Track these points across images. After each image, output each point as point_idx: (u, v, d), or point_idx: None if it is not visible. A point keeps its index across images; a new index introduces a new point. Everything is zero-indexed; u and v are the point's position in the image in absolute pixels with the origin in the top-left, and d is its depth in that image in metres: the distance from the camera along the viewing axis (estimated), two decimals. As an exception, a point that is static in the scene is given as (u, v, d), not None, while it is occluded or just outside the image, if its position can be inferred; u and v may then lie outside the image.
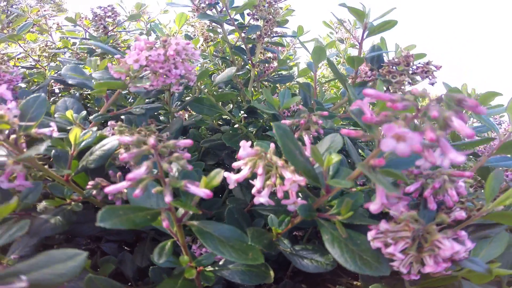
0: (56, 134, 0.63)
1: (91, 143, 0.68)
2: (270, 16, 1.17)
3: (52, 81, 1.43)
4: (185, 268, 0.57)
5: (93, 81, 0.90)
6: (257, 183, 0.54)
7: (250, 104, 1.10)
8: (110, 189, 0.45)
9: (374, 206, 0.48)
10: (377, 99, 0.38)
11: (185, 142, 0.47)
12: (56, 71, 1.39)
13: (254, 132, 1.09)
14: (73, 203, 0.71)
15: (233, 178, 0.54)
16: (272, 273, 0.59)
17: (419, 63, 0.74)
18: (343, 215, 0.53)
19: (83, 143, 0.68)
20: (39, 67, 1.55)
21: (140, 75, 0.83)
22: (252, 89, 1.27)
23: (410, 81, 0.75)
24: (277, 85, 1.58)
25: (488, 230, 0.59)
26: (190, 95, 1.18)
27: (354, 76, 0.91)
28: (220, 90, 1.30)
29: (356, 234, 0.54)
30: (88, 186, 0.70)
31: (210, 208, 0.90)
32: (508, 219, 0.51)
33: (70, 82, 0.92)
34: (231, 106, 1.30)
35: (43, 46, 1.66)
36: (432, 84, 0.72)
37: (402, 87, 0.76)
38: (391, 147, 0.35)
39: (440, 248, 0.47)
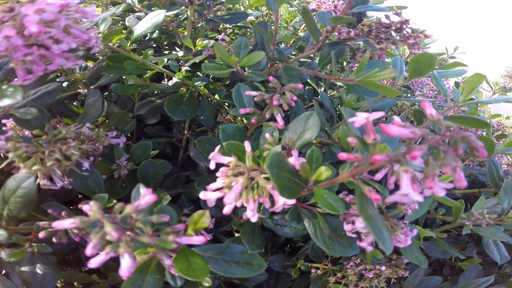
0: None
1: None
2: None
3: None
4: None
5: None
6: (248, 211, 0.46)
7: (193, 58, 0.83)
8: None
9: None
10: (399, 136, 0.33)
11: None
12: None
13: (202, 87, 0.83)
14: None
15: (212, 198, 0.46)
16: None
17: (411, 30, 0.64)
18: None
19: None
20: None
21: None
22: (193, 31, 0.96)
23: (395, 48, 0.67)
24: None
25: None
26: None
27: (330, 30, 0.73)
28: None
29: (331, 219, 0.57)
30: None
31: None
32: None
33: None
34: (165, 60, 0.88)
35: None
36: (415, 54, 0.66)
37: (382, 54, 0.68)
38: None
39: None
